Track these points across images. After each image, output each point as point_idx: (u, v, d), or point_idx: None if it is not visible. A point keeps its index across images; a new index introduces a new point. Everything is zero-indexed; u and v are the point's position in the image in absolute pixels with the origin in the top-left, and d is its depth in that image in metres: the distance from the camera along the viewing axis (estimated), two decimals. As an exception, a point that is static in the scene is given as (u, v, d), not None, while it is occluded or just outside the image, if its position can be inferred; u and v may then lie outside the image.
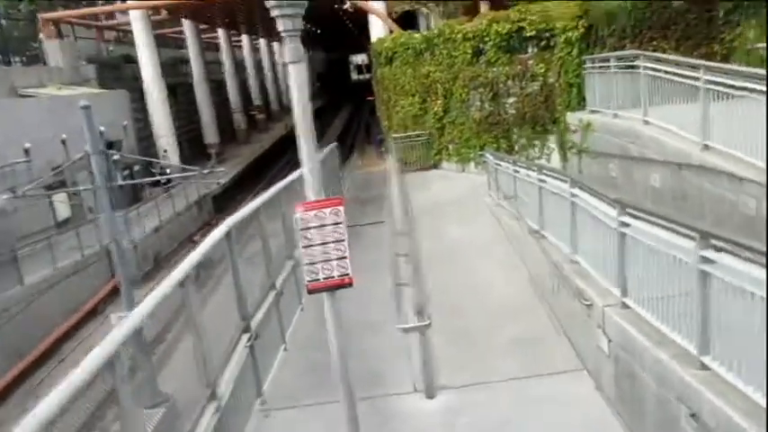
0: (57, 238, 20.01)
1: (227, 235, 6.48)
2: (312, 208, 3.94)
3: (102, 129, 27.23)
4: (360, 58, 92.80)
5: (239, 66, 53.65)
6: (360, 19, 33.39)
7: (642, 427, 5.41)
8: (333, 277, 4.02)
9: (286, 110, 59.91)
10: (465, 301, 8.94)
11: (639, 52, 9.23)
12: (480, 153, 14.18)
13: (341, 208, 3.97)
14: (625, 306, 5.85)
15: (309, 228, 3.94)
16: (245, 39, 55.75)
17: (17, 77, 25.52)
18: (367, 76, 64.74)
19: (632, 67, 9.78)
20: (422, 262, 8.41)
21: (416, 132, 17.26)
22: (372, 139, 31.33)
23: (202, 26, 43.96)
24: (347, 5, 29.65)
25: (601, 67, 11.23)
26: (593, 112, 11.72)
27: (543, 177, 8.46)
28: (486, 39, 15.03)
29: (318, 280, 4.03)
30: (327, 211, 3.94)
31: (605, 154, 10.16)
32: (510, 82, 14.80)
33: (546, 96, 14.00)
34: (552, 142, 13.84)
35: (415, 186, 15.71)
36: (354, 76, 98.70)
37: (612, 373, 5.97)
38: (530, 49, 14.50)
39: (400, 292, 7.87)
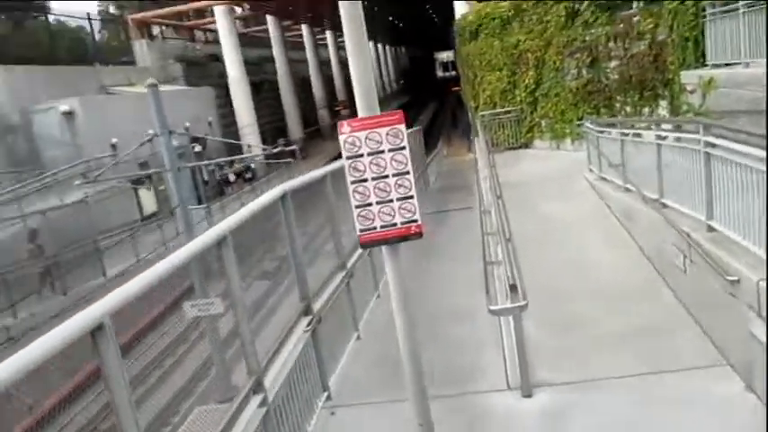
0: (142, 230, 20.02)
1: (282, 199, 5.52)
2: (362, 127, 2.83)
3: (187, 124, 27.40)
4: (445, 55, 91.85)
5: (324, 63, 53.63)
6: (445, 8, 32.00)
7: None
8: (394, 225, 2.90)
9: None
10: (567, 283, 7.58)
11: (781, -20, 7.57)
12: (579, 123, 12.60)
13: (402, 127, 2.83)
14: (792, 278, 4.39)
15: (359, 156, 2.83)
16: (329, 35, 55.65)
17: (106, 77, 26.02)
18: (453, 73, 63.47)
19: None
20: (514, 240, 7.17)
21: (505, 109, 15.80)
22: (459, 129, 30.02)
23: (287, 23, 44.03)
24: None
25: (725, 11, 9.50)
26: (715, 66, 9.99)
27: (662, 133, 6.98)
28: (584, -4, 13.42)
29: (374, 229, 2.92)
30: (384, 131, 2.83)
31: (734, 112, 8.48)
32: (611, 44, 13.10)
33: (655, 56, 12.22)
34: (664, 108, 12.05)
35: (506, 165, 14.30)
36: (440, 73, 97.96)
37: (775, 370, 4.51)
38: (634, 4, 12.76)
39: (490, 273, 6.63)
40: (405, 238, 2.93)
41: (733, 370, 5.26)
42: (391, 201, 2.88)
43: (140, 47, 30.28)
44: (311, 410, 5.56)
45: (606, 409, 5.00)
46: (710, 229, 5.82)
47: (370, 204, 2.88)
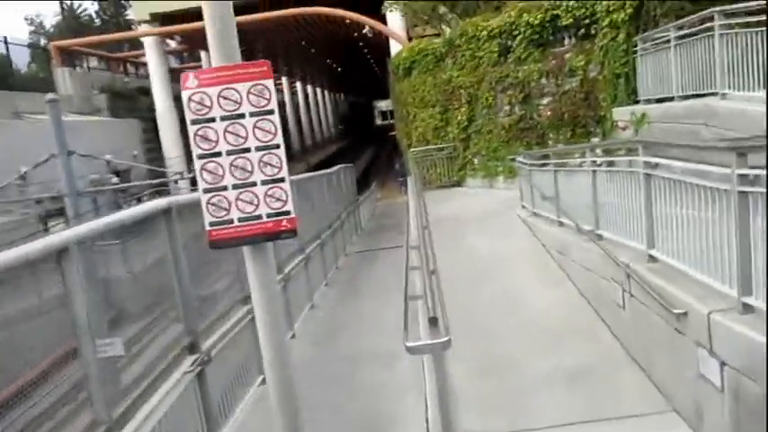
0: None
1: (166, 213, 4.65)
2: (215, 81, 2.04)
3: (108, 157, 25.95)
4: (384, 104, 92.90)
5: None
6: (382, 51, 32.00)
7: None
8: (258, 218, 2.10)
9: (308, 149, 58.92)
10: (498, 323, 6.91)
11: (713, 9, 7.35)
12: (512, 158, 12.20)
13: (269, 83, 2.07)
14: (748, 309, 3.80)
15: (209, 121, 2.05)
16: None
17: (22, 102, 24.40)
18: (391, 121, 63.98)
19: (698, 33, 7.90)
20: (440, 277, 6.50)
21: (437, 146, 15.34)
22: (394, 174, 29.65)
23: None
24: (366, 30, 28.43)
25: (656, 44, 9.33)
26: (647, 101, 9.78)
27: (598, 159, 6.49)
28: (516, 32, 13.17)
29: (230, 223, 2.11)
30: (244, 88, 2.05)
31: (668, 144, 8.15)
32: (543, 80, 12.89)
33: (587, 93, 12.05)
34: (596, 145, 11.80)
35: (437, 202, 13.76)
36: (379, 121, 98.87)
37: (730, 415, 3.88)
38: (566, 41, 12.64)
39: (412, 309, 5.87)
40: (273, 235, 2.13)
41: (679, 416, 4.64)
42: (254, 184, 2.10)
43: (62, 75, 28.76)
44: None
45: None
46: (652, 259, 5.27)
47: (224, 188, 2.08)
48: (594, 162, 6.65)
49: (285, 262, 8.27)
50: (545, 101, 12.96)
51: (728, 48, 7.32)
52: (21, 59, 30.23)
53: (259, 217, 2.11)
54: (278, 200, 2.11)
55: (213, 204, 2.09)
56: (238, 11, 2.15)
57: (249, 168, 2.09)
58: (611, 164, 6.38)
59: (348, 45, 39.27)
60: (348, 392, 6.01)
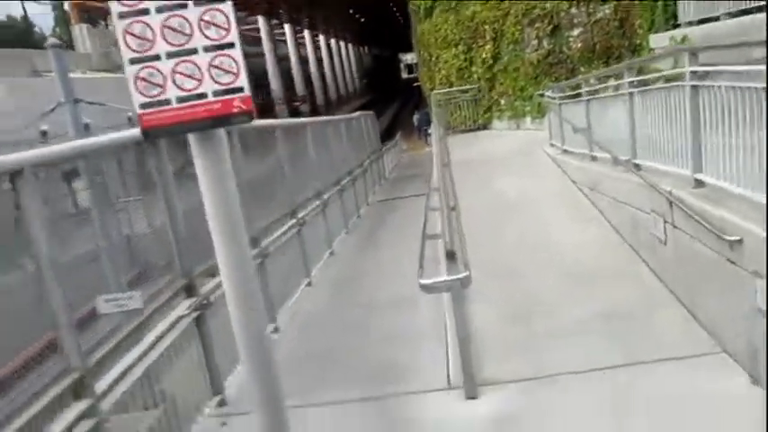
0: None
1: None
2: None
3: (119, 107, 25.84)
4: (410, 57, 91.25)
5: (283, 58, 52.01)
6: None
7: None
8: (202, 96, 1.60)
9: (332, 103, 58.12)
10: (525, 264, 6.41)
11: None
12: (540, 93, 11.48)
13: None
14: (820, 230, 3.23)
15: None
16: (287, 29, 54.00)
17: (39, 61, 24.13)
18: (416, 75, 62.77)
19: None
20: (463, 217, 6.01)
21: (461, 87, 14.61)
22: (418, 125, 28.92)
23: (242, 14, 42.44)
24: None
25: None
26: (688, 24, 8.94)
27: (635, 79, 5.84)
28: (544, -40, 12.31)
29: (166, 104, 1.61)
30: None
31: (720, 46, 7.38)
32: (573, 9, 12.02)
33: (621, 20, 11.18)
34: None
35: (462, 145, 13.18)
36: (405, 75, 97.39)
37: (795, 355, 3.35)
38: (599, -36, 11.74)
39: (430, 248, 5.39)
40: (223, 119, 1.64)
41: (732, 359, 4.11)
42: (194, 51, 1.60)
43: (80, 32, 28.41)
44: (191, 420, 4.23)
45: (569, 411, 3.80)
46: (699, 184, 4.67)
47: (156, 57, 1.59)
48: (632, 83, 6.00)
49: (301, 206, 7.83)
50: (575, 32, 12.11)
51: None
52: (45, 24, 29.97)
53: (203, 95, 1.62)
54: (227, 72, 1.62)
55: (143, 80, 1.60)
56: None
57: (187, 31, 1.59)
58: (647, 85, 5.73)
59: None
60: (365, 340, 5.62)
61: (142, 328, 3.74)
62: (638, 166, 5.99)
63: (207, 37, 1.59)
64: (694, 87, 4.50)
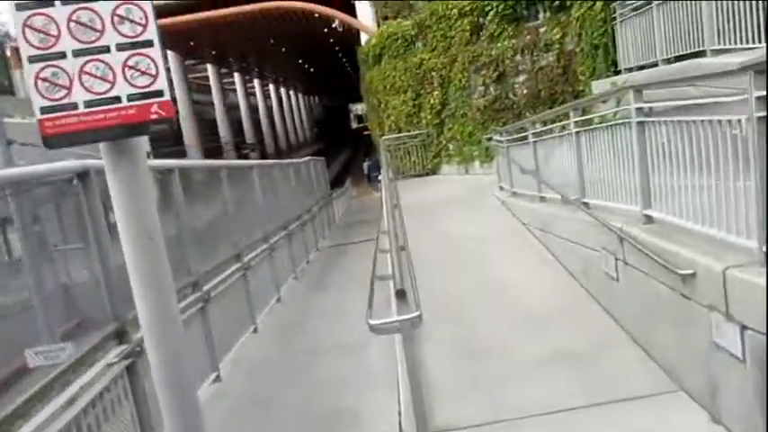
0: None
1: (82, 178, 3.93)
2: None
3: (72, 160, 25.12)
4: (360, 107, 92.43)
5: (232, 107, 51.86)
6: (354, 48, 31.36)
7: None
8: (116, 101, 1.39)
9: (283, 151, 58.00)
10: (477, 306, 6.28)
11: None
12: (488, 138, 11.59)
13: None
14: (774, 262, 3.18)
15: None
16: (237, 78, 54.04)
17: (-25, 106, 23.33)
18: (366, 124, 63.32)
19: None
20: (415, 261, 5.85)
21: (409, 133, 14.67)
22: (368, 172, 28.99)
23: (191, 62, 42.30)
24: (335, 24, 27.71)
25: (636, 8, 8.75)
26: (629, 70, 9.22)
27: (579, 119, 5.89)
28: (488, 8, 12.55)
29: (72, 108, 1.39)
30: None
31: (665, 82, 7.57)
32: (518, 57, 12.29)
33: (564, 68, 11.48)
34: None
35: (411, 189, 13.13)
36: (355, 125, 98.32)
37: (755, 388, 3.25)
38: (540, 14, 12.06)
39: (379, 290, 5.19)
40: (139, 127, 1.43)
41: (688, 396, 4.01)
42: (106, 50, 1.40)
43: (21, 77, 27.70)
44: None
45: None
46: (648, 219, 4.65)
47: (60, 55, 1.39)
48: (577, 123, 6.04)
49: (246, 249, 7.54)
50: (521, 79, 12.37)
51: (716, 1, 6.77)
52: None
53: (116, 99, 1.42)
54: (144, 73, 1.43)
55: (46, 80, 1.39)
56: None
57: (98, 27, 1.40)
58: (592, 124, 5.78)
59: (319, 43, 38.45)
60: (312, 386, 5.33)
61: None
62: (587, 205, 5.98)
63: (121, 33, 1.40)
64: (640, 124, 4.52)
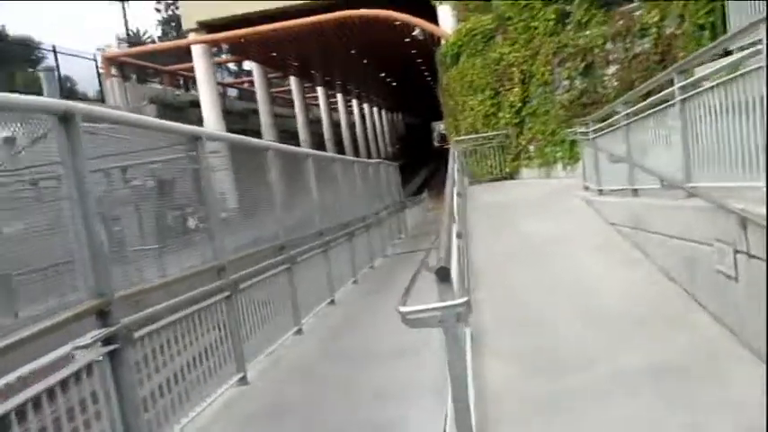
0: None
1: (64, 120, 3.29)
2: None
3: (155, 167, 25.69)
4: (442, 126, 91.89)
5: (315, 121, 52.23)
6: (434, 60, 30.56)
7: None
8: None
9: (363, 166, 57.83)
10: (555, 310, 5.23)
11: None
12: (571, 130, 10.42)
13: None
14: None
15: None
16: (320, 92, 54.40)
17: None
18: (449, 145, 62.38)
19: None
20: (487, 262, 4.92)
21: (486, 134, 13.65)
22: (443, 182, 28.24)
23: (274, 75, 42.85)
24: (416, 32, 27.03)
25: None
26: (741, 49, 7.88)
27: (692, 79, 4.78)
28: (576, -7, 11.45)
29: None
30: None
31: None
32: (609, 45, 11.08)
33: (662, 54, 10.15)
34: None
35: (487, 191, 12.12)
36: (437, 143, 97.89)
37: None
38: (635, -2, 10.83)
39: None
40: None
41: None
42: None
43: (111, 85, 28.67)
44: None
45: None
46: (786, 197, 3.49)
47: None
48: (683, 89, 4.92)
49: (291, 243, 6.78)
50: (611, 69, 11.12)
51: None
52: (89, 82, 30.17)
53: None
54: None
55: None
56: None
57: None
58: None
59: (400, 54, 37.96)
60: (352, 395, 4.52)
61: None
62: (694, 188, 4.82)
63: None
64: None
